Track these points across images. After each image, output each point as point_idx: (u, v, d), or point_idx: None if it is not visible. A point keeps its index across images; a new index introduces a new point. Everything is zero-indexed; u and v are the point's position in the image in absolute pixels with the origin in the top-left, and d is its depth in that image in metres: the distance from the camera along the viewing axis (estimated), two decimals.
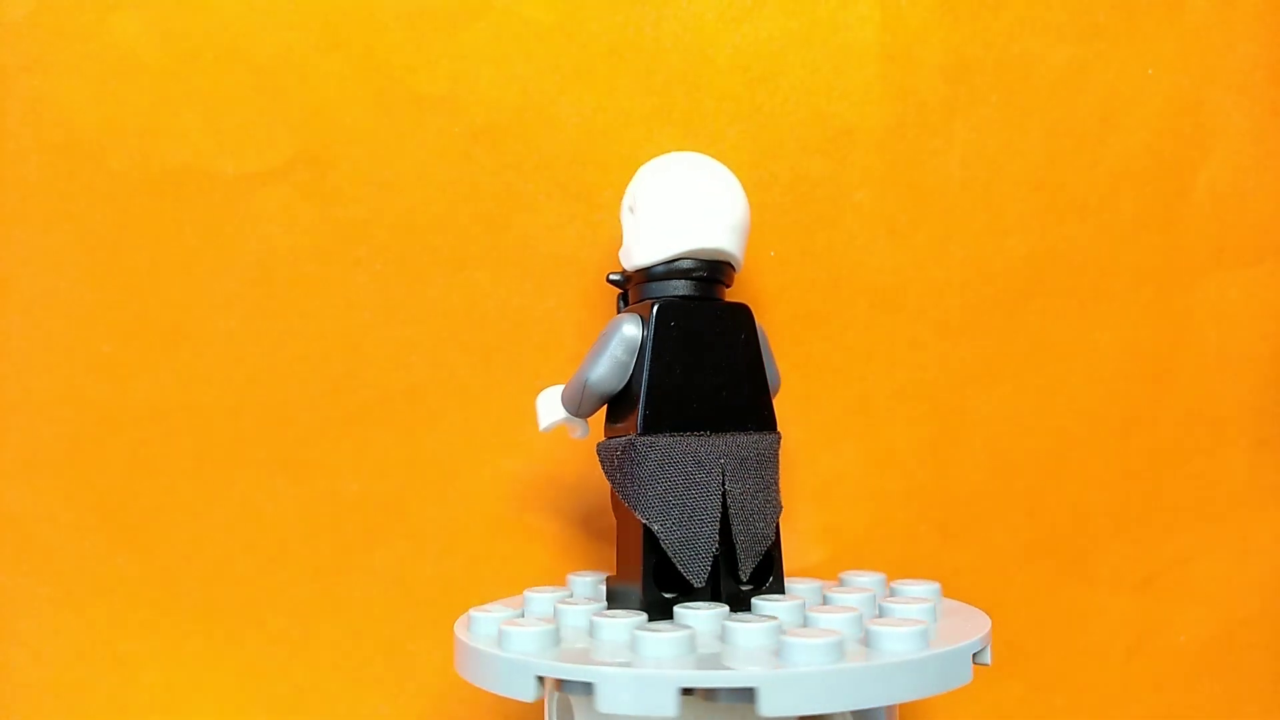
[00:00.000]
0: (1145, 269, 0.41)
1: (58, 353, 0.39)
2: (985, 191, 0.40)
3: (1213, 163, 0.41)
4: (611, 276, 0.34)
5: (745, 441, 0.32)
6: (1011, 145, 0.40)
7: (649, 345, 0.31)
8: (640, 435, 0.31)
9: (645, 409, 0.31)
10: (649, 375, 0.31)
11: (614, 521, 0.34)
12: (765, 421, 0.33)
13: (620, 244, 0.34)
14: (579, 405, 0.33)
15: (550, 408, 0.34)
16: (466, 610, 0.33)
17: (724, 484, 0.32)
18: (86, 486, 0.40)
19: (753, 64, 0.40)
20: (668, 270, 0.32)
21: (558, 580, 0.39)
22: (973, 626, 0.29)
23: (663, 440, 0.31)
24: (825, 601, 0.32)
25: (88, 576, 0.40)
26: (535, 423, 0.34)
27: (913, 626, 0.27)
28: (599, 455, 0.32)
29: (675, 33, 0.39)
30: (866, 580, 0.34)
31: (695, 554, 0.31)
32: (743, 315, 0.33)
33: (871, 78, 0.40)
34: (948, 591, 0.34)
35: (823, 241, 0.40)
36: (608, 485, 0.35)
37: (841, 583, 0.35)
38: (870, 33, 0.40)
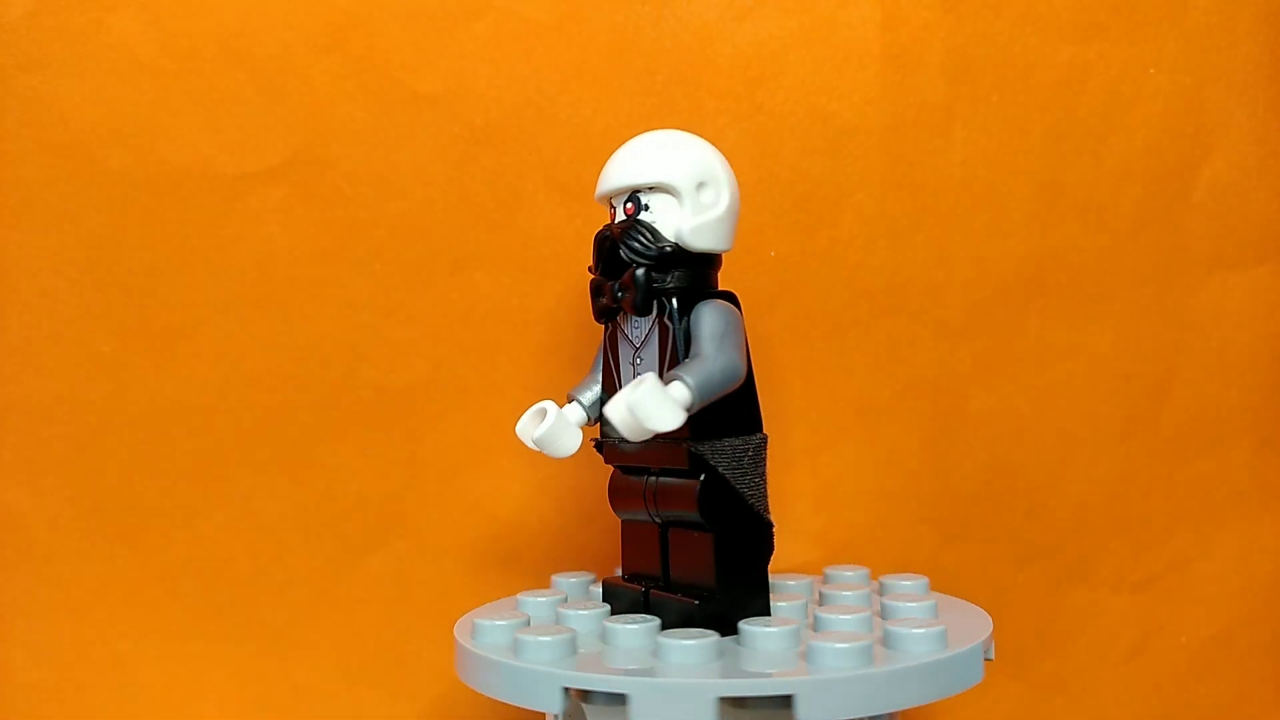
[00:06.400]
0: (1146, 269, 0.41)
1: (58, 353, 0.39)
2: (986, 192, 0.40)
3: (1214, 162, 0.41)
4: (670, 249, 0.30)
5: None
6: (1012, 145, 0.40)
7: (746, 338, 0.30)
8: (763, 433, 0.30)
9: (758, 405, 0.30)
10: (751, 370, 0.30)
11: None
12: None
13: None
14: (712, 398, 0.28)
15: (670, 402, 0.27)
16: (465, 612, 0.33)
17: None
18: (86, 486, 0.40)
19: (753, 64, 0.40)
20: (719, 260, 0.31)
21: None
22: (976, 622, 0.29)
23: None
24: (822, 600, 0.32)
25: (88, 577, 0.40)
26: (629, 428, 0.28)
27: (933, 628, 0.27)
28: (717, 456, 0.29)
29: (675, 33, 0.39)
30: (852, 576, 0.34)
31: None
32: None
33: (872, 78, 0.40)
34: (948, 592, 0.34)
35: (823, 241, 0.40)
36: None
37: (826, 579, 0.35)
38: (871, 33, 0.40)
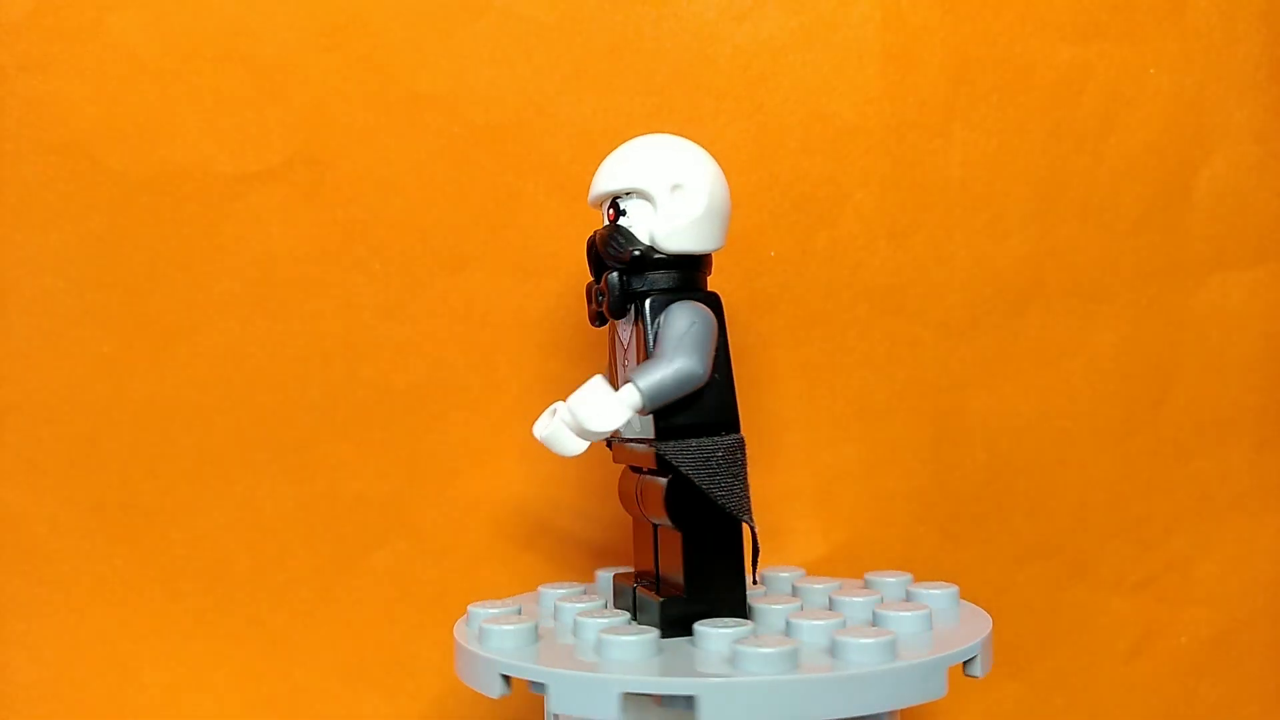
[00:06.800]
0: (1146, 269, 0.41)
1: (58, 353, 0.39)
2: (986, 191, 0.40)
3: (1214, 162, 0.41)
4: (637, 253, 0.30)
5: None
6: (1012, 145, 0.40)
7: (722, 337, 0.30)
8: (739, 434, 0.30)
9: (734, 406, 0.30)
10: (729, 370, 0.30)
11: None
12: None
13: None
14: (667, 400, 0.29)
15: (612, 405, 0.28)
16: (466, 610, 0.33)
17: None
18: (86, 486, 0.40)
19: (753, 63, 0.40)
20: (707, 260, 0.31)
21: (566, 577, 0.40)
22: (964, 636, 0.29)
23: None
24: (831, 605, 0.32)
25: (88, 576, 0.40)
26: (572, 425, 0.29)
27: (879, 638, 0.26)
28: (682, 456, 0.29)
29: (675, 33, 0.39)
30: (887, 581, 0.33)
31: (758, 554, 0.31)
32: None
33: (872, 78, 0.40)
34: None
35: (823, 241, 0.40)
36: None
37: (865, 584, 0.34)
38: (871, 32, 0.40)
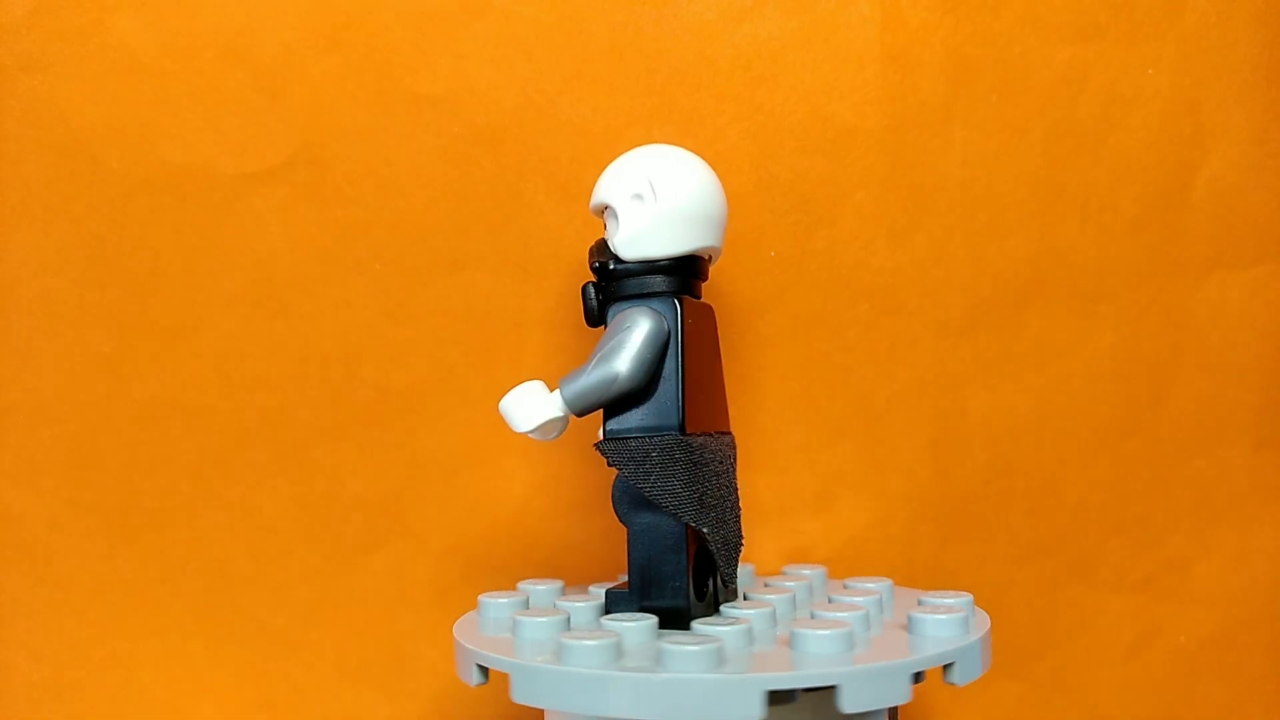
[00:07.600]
0: (1145, 269, 0.41)
1: (58, 353, 0.39)
2: (985, 192, 0.40)
3: (1213, 163, 0.41)
4: (597, 264, 0.32)
5: (729, 442, 0.33)
6: (1012, 145, 0.40)
7: (679, 341, 0.31)
8: (685, 435, 0.30)
9: (685, 408, 0.30)
10: (684, 373, 0.31)
11: (614, 521, 0.34)
12: (727, 423, 0.34)
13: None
14: (593, 403, 0.31)
15: (537, 405, 0.31)
16: (465, 612, 0.33)
17: (733, 483, 0.32)
18: (86, 486, 0.40)
19: (753, 64, 0.40)
20: (677, 264, 0.31)
21: (566, 576, 0.40)
22: (836, 663, 0.27)
23: (698, 439, 0.31)
24: (813, 615, 0.31)
25: (88, 576, 0.40)
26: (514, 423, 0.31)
27: (707, 645, 0.26)
28: (619, 455, 0.30)
29: (675, 33, 0.39)
30: (952, 600, 0.32)
31: (733, 555, 0.31)
32: (712, 315, 0.33)
33: (871, 78, 0.40)
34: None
35: (823, 241, 0.40)
36: (610, 485, 0.35)
37: (919, 603, 0.32)
38: (870, 33, 0.40)
